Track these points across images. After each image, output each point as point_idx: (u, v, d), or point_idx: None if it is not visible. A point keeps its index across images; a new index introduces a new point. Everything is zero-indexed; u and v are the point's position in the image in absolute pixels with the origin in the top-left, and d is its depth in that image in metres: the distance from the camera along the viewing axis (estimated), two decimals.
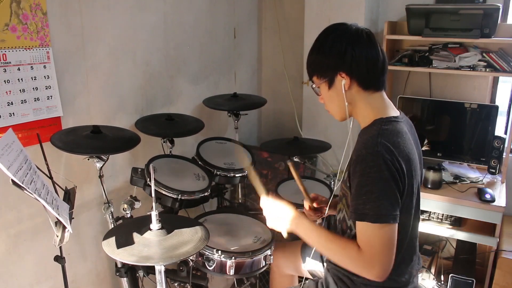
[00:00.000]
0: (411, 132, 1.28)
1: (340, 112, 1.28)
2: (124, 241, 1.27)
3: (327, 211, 1.48)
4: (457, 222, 2.30)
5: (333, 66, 1.21)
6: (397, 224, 1.13)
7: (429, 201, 2.27)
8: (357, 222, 1.16)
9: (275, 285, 1.85)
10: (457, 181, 2.41)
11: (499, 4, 2.16)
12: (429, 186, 2.31)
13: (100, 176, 1.61)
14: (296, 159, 2.19)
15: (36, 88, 1.57)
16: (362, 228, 1.15)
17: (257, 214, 1.94)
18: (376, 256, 1.13)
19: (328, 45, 1.21)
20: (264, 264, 1.66)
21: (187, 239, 1.30)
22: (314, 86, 1.29)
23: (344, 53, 1.18)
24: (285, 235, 1.34)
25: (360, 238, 1.16)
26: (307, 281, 1.52)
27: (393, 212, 1.11)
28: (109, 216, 1.66)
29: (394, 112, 1.26)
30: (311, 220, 1.54)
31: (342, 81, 1.21)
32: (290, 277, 1.81)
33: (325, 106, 1.33)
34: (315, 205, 1.53)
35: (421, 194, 1.30)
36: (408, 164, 1.16)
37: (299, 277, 1.78)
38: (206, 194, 1.79)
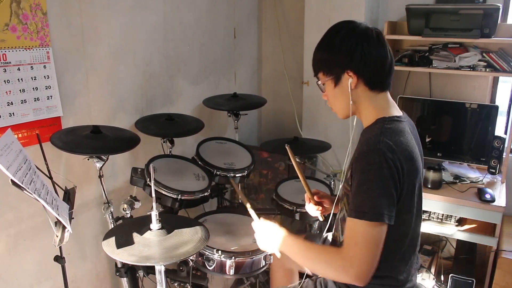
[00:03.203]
0: (413, 133, 1.28)
1: (344, 110, 1.27)
2: (124, 241, 1.27)
3: (333, 208, 1.47)
4: (457, 222, 2.30)
5: (341, 63, 1.20)
6: (387, 226, 1.11)
7: (429, 201, 2.27)
8: (348, 218, 1.14)
9: (275, 279, 1.84)
10: (457, 181, 2.41)
11: (499, 4, 2.16)
12: (429, 186, 2.31)
13: (100, 176, 1.61)
14: (296, 159, 2.18)
15: (36, 88, 1.57)
16: (352, 225, 1.12)
17: (257, 214, 1.94)
18: (357, 254, 1.09)
19: (337, 42, 1.19)
20: (264, 264, 1.66)
21: (187, 239, 1.30)
22: (319, 82, 1.28)
23: (354, 51, 1.17)
24: (278, 254, 1.32)
25: (346, 235, 1.14)
26: (306, 280, 1.52)
27: (389, 212, 1.10)
28: (109, 216, 1.66)
29: (397, 112, 1.26)
30: (313, 216, 1.56)
31: (349, 79, 1.20)
32: (290, 271, 1.80)
33: (328, 103, 1.31)
34: (315, 198, 1.53)
35: (422, 194, 1.30)
36: (410, 163, 1.16)
37: (300, 272, 1.79)
38: (206, 194, 1.79)
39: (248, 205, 1.46)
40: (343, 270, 1.11)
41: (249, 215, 1.92)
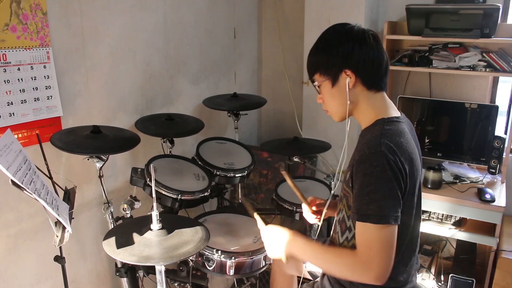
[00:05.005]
0: (411, 133, 1.28)
1: (340, 111, 1.27)
2: (124, 241, 1.27)
3: (324, 212, 1.48)
4: (457, 222, 2.30)
5: (339, 64, 1.21)
6: (397, 226, 1.13)
7: (429, 201, 2.27)
8: (357, 222, 1.15)
9: (275, 285, 1.85)
10: (457, 181, 2.41)
11: (499, 4, 2.16)
12: (429, 186, 2.31)
13: (100, 176, 1.61)
14: (296, 159, 2.18)
15: (36, 88, 1.57)
16: (362, 229, 1.14)
17: (257, 214, 1.94)
18: (374, 258, 1.11)
19: (334, 44, 1.21)
20: (264, 264, 1.66)
21: (188, 239, 1.30)
22: (315, 83, 1.28)
23: (352, 51, 1.19)
24: (284, 260, 1.32)
25: (359, 239, 1.15)
26: (304, 284, 1.52)
27: (395, 213, 1.11)
28: (109, 216, 1.66)
29: (395, 112, 1.26)
30: (311, 223, 1.56)
31: (347, 79, 1.21)
32: (290, 277, 1.81)
33: (324, 105, 1.32)
34: (314, 208, 1.53)
35: (421, 194, 1.30)
36: (411, 164, 1.16)
37: (299, 277, 1.79)
38: (206, 194, 1.79)
39: (255, 214, 1.46)
40: (362, 273, 1.13)
41: (249, 215, 1.93)
